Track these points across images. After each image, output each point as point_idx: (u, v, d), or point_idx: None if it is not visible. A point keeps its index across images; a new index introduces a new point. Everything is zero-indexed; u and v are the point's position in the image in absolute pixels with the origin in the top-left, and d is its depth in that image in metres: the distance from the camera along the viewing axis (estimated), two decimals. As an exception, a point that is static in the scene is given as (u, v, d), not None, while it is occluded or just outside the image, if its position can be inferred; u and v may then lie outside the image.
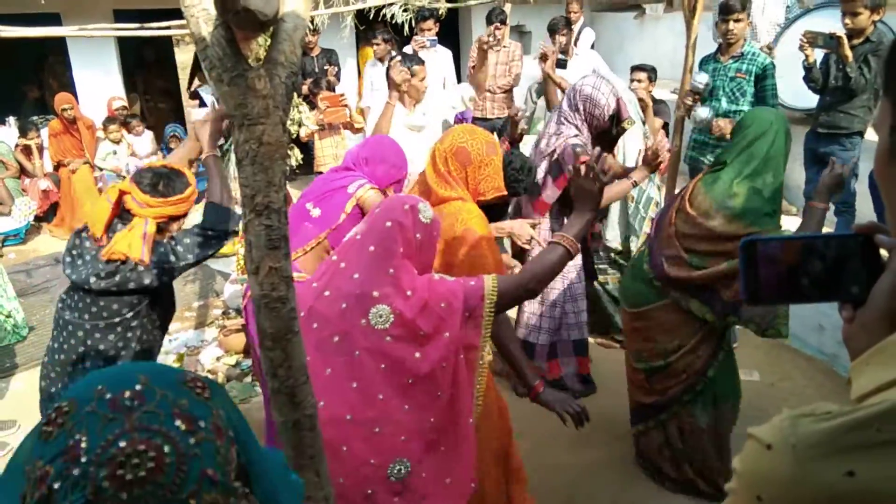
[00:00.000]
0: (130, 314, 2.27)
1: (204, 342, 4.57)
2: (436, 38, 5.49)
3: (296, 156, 4.75)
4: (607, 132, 3.29)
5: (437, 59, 5.72)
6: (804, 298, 0.84)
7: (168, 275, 2.30)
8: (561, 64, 4.79)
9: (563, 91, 4.95)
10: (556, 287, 3.54)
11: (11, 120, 7.78)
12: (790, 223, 5.01)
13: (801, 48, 4.23)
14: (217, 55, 1.15)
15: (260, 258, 1.20)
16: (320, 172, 5.73)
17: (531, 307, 3.61)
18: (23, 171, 6.96)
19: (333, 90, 6.36)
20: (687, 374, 2.75)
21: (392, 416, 1.69)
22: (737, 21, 4.14)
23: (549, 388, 2.21)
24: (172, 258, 2.28)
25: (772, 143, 2.57)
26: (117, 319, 2.26)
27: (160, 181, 2.27)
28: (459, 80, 6.60)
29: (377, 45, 6.17)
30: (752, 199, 2.55)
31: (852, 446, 0.65)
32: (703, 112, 4.16)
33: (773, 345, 4.21)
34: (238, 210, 2.26)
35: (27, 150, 7.02)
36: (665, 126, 4.77)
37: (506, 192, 2.47)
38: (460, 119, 5.02)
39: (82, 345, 2.25)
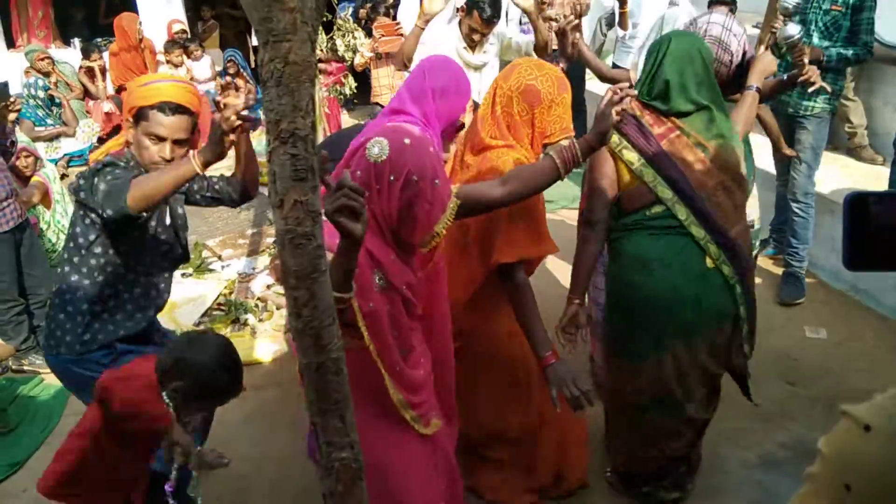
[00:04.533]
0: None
1: (255, 269, 4.61)
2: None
3: (350, 84, 4.62)
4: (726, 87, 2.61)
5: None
6: None
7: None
8: (633, -8, 4.47)
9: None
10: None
11: (76, 41, 7.87)
12: (879, 173, 4.65)
13: None
14: (240, -39, 1.03)
15: (285, 190, 1.10)
16: (377, 103, 5.61)
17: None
18: (86, 94, 7.06)
19: (394, 17, 6.16)
20: None
21: None
22: None
23: (560, 364, 2.06)
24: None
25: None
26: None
27: None
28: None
29: None
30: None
31: None
32: (791, 29, 3.76)
33: (843, 302, 3.98)
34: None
35: (90, 73, 7.10)
36: (743, 62, 4.43)
37: (573, 133, 2.23)
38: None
39: None
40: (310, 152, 1.11)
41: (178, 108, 2.14)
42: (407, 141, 1.59)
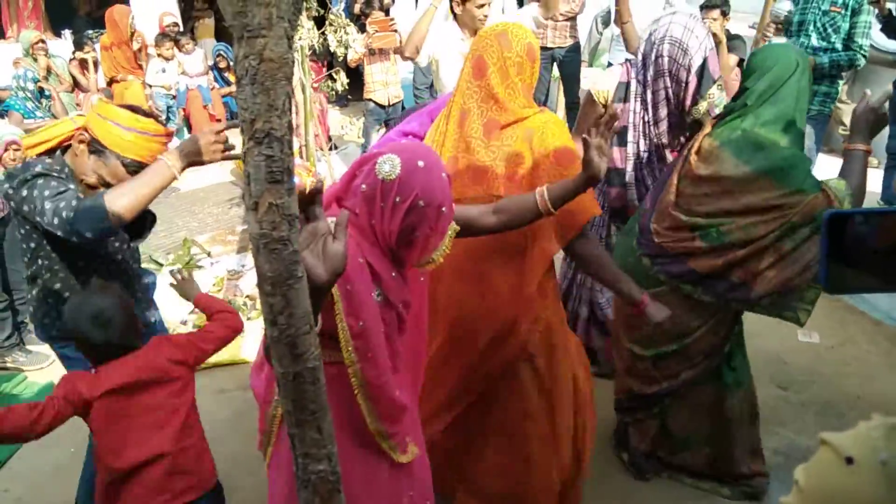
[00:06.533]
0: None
1: (245, 267, 4.56)
2: (495, -42, 5.13)
3: (342, 80, 4.57)
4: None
5: (496, -19, 5.37)
6: None
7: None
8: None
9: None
10: None
11: (67, 33, 7.77)
12: (873, 176, 4.62)
13: None
14: (214, -48, 0.98)
15: (259, 193, 1.06)
16: (370, 99, 5.55)
17: None
18: (76, 86, 6.97)
19: (387, 12, 6.10)
20: (706, 354, 2.44)
21: None
22: None
23: (654, 302, 2.13)
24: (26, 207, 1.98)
25: (801, 85, 2.20)
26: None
27: None
28: (521, 5, 6.23)
29: None
30: (795, 155, 2.18)
31: None
32: None
33: (838, 306, 3.95)
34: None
35: (83, 64, 7.01)
36: (740, 62, 4.40)
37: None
38: None
39: None
40: (285, 153, 1.06)
41: (139, 167, 2.04)
42: (421, 164, 1.50)
